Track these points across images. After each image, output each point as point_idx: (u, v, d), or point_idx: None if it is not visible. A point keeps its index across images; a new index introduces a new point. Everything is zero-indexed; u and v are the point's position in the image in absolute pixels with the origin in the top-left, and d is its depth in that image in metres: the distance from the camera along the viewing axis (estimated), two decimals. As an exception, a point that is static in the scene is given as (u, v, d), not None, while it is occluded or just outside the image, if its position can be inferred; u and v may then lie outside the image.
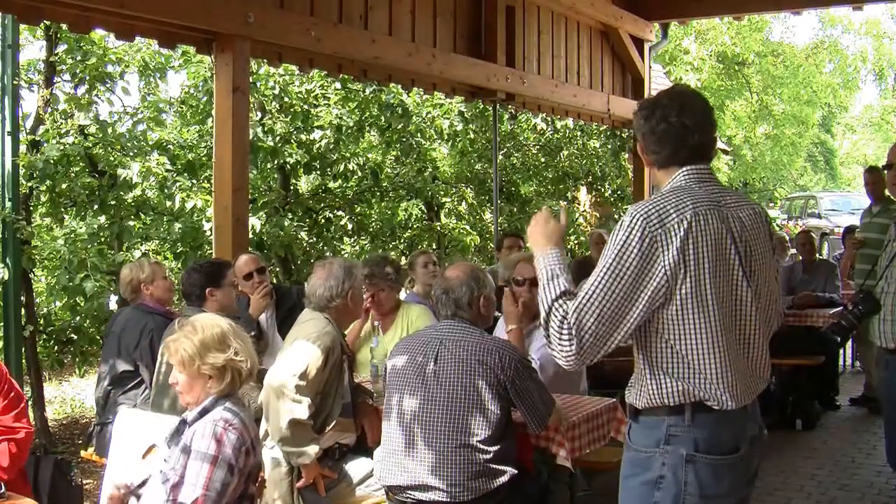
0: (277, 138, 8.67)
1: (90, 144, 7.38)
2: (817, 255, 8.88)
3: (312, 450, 3.69)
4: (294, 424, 3.62)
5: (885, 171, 5.21)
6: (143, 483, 3.11)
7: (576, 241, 12.80)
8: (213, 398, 2.99)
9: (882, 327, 4.28)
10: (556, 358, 2.45)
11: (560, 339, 2.41)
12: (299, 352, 3.75)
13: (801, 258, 8.47)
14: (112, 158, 7.38)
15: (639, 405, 2.53)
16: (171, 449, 3.00)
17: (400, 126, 10.08)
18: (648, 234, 2.39)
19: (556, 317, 2.42)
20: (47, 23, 6.27)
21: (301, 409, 3.63)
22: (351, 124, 9.67)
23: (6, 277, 6.49)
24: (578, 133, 12.95)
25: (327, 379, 3.79)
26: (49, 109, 7.19)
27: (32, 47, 7.79)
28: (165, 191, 7.46)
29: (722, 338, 2.44)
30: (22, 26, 6.77)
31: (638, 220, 2.41)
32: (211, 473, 2.82)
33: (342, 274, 3.97)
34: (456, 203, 11.91)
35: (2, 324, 6.71)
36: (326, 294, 3.94)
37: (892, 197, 7.37)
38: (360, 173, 9.89)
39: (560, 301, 2.43)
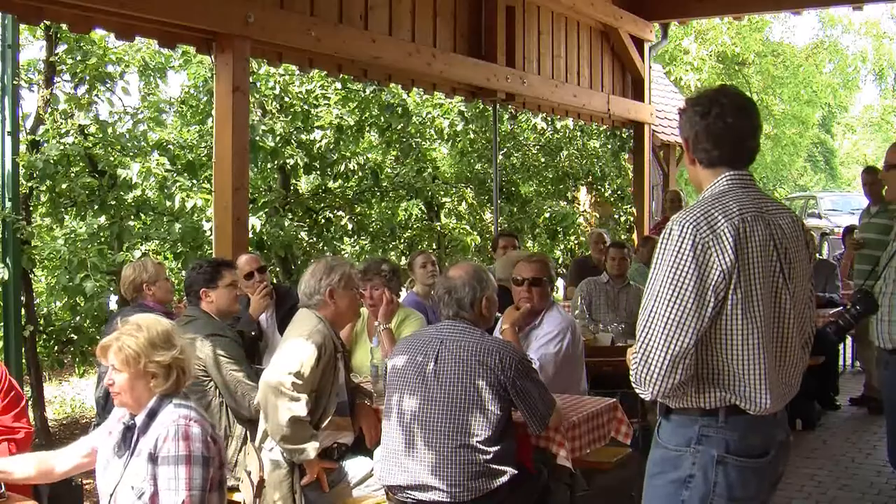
0: (278, 138, 8.68)
1: (90, 144, 7.38)
2: (817, 254, 8.88)
3: (312, 446, 3.71)
4: (294, 422, 3.64)
5: (887, 171, 5.22)
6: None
7: (576, 242, 12.80)
8: (157, 398, 2.89)
9: (880, 328, 4.28)
10: (641, 393, 2.44)
11: (632, 371, 2.43)
12: (293, 350, 3.78)
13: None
14: (112, 158, 7.38)
15: (672, 404, 2.51)
16: (122, 458, 2.89)
17: (400, 126, 10.09)
18: (700, 241, 2.35)
19: (631, 364, 2.45)
20: (47, 23, 6.27)
21: (300, 407, 3.65)
22: (351, 124, 9.67)
23: (6, 277, 6.49)
24: (578, 133, 12.95)
25: (321, 377, 3.81)
26: (49, 109, 7.20)
27: (32, 47, 7.81)
28: (165, 191, 7.46)
29: (765, 345, 2.43)
30: (22, 26, 6.77)
31: (688, 228, 2.37)
32: (189, 473, 2.76)
33: (322, 272, 3.98)
34: (456, 203, 11.91)
35: (2, 324, 6.71)
36: (307, 290, 3.97)
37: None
38: (360, 173, 9.89)
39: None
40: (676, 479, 2.47)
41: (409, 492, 3.48)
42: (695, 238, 2.35)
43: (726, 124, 2.50)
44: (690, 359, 2.38)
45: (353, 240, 10.64)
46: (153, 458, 2.80)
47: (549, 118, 12.24)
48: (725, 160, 2.53)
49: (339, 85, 9.37)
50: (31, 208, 7.30)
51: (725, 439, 2.44)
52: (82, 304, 7.08)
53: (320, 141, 9.21)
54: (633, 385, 2.46)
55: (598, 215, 13.75)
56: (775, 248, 2.47)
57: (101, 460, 3.01)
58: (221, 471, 2.95)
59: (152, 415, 2.87)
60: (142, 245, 7.98)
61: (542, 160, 12.70)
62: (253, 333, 4.93)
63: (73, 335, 7.45)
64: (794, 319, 2.52)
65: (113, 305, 7.40)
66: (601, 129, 12.53)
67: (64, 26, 6.02)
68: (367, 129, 10.25)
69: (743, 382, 2.43)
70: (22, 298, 6.75)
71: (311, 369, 3.71)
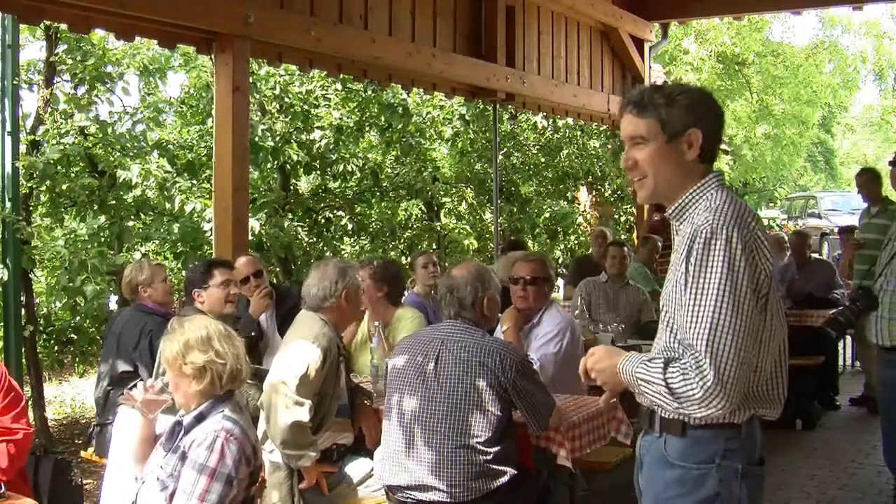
0: (278, 138, 8.67)
1: (90, 145, 7.37)
2: (809, 254, 8.86)
3: (313, 452, 3.70)
4: (296, 427, 3.63)
5: (891, 168, 5.26)
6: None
7: (576, 241, 12.80)
8: (209, 403, 2.97)
9: (879, 325, 4.29)
10: (700, 410, 2.23)
11: (690, 387, 2.20)
12: (299, 353, 3.75)
13: (794, 257, 8.49)
14: (112, 159, 7.38)
15: (692, 421, 2.35)
16: (166, 453, 2.98)
17: (400, 126, 10.09)
18: (747, 243, 2.27)
19: (675, 379, 2.23)
20: (47, 23, 6.27)
21: (303, 412, 3.64)
22: (351, 124, 9.67)
23: (6, 277, 6.49)
24: (578, 133, 12.95)
25: (325, 380, 3.79)
26: (49, 109, 7.19)
27: (32, 47, 7.79)
28: (165, 192, 7.46)
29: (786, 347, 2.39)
30: (22, 26, 6.77)
31: (734, 230, 2.26)
32: (208, 485, 2.81)
33: (335, 274, 3.95)
34: (456, 203, 11.91)
35: (2, 324, 6.71)
36: (319, 294, 3.94)
37: (888, 198, 7.40)
38: (360, 173, 9.89)
39: (672, 367, 2.25)
40: (703, 499, 2.35)
41: (409, 492, 3.48)
42: (743, 240, 2.26)
43: (722, 125, 2.48)
44: (754, 369, 2.30)
45: (353, 240, 10.64)
46: (184, 458, 2.88)
47: (549, 118, 12.24)
48: (714, 159, 2.47)
49: (339, 85, 9.37)
50: (31, 209, 7.29)
51: (746, 451, 2.37)
52: (82, 305, 7.08)
53: (320, 141, 9.21)
54: (694, 403, 2.22)
55: (598, 215, 13.76)
56: None
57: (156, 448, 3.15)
58: (248, 492, 3.00)
59: (200, 418, 2.97)
60: (142, 245, 7.98)
61: (542, 160, 12.70)
62: (253, 334, 4.93)
63: (73, 335, 7.45)
64: None
65: (113, 306, 7.40)
66: (601, 129, 12.53)
67: (64, 26, 6.01)
68: (367, 129, 10.25)
69: (775, 388, 2.38)
70: (22, 298, 6.74)
71: (316, 372, 3.69)
